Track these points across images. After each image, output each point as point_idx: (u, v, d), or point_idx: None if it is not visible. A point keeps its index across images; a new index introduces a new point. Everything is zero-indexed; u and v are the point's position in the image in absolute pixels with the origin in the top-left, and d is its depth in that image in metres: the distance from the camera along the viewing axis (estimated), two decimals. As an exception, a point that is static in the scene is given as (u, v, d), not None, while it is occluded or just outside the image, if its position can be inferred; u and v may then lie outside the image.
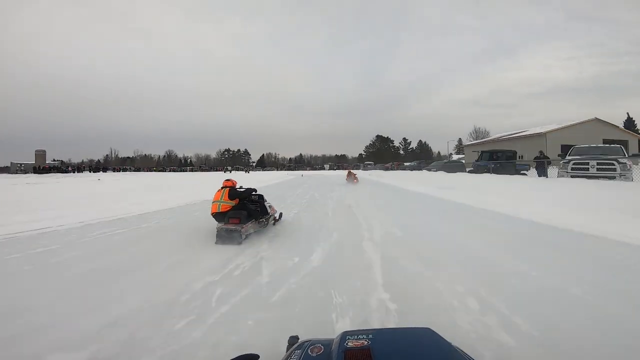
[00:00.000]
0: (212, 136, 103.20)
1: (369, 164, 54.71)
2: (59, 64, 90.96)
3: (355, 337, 0.99)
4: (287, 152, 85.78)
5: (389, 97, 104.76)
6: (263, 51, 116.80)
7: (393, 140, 74.61)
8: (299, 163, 73.30)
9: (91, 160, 66.45)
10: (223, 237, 4.37)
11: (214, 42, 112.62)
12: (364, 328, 1.34)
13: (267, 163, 73.88)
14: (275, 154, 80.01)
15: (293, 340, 1.31)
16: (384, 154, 68.45)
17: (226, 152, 75.54)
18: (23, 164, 50.56)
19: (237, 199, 4.94)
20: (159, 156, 71.54)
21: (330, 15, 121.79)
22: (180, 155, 73.93)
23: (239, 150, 76.99)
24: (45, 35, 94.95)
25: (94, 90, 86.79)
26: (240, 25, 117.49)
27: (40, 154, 53.44)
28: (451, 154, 54.28)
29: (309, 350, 1.00)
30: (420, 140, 75.46)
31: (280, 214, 6.25)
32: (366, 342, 0.95)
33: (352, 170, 22.72)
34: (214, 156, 75.32)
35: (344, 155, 77.80)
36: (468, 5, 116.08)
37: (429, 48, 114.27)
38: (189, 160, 72.84)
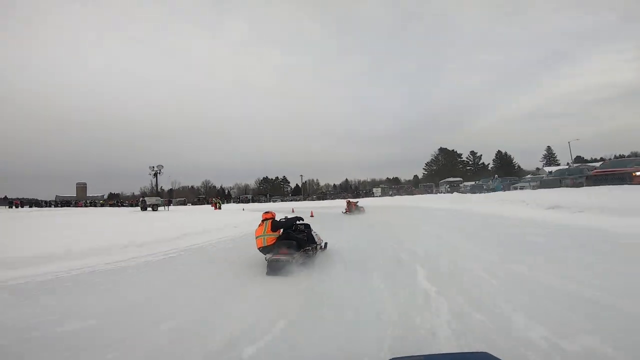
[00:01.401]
0: (252, 165, 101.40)
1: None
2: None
3: None
4: (332, 179, 77.70)
5: (440, 116, 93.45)
6: (304, 80, 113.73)
7: (461, 154, 62.08)
8: (344, 190, 64.98)
9: (132, 193, 66.88)
10: (274, 267, 4.48)
11: (256, 73, 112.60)
12: (412, 355, 1.20)
13: (309, 191, 67.17)
14: (316, 180, 73.41)
15: None
16: (452, 169, 56.40)
17: (264, 181, 71.24)
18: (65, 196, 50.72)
19: (280, 230, 5.05)
20: (196, 187, 69.84)
21: (369, 39, 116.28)
22: (217, 185, 71.46)
23: (277, 177, 72.19)
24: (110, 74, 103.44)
25: (139, 125, 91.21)
26: (280, 55, 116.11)
27: (81, 187, 54.24)
28: (538, 168, 42.51)
29: None
30: (499, 151, 61.10)
31: (326, 244, 6.14)
32: None
33: (352, 200, 19.81)
34: (253, 186, 71.49)
35: (396, 178, 67.37)
36: (510, 17, 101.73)
37: (476, 63, 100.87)
38: (227, 191, 69.88)
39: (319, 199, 51.27)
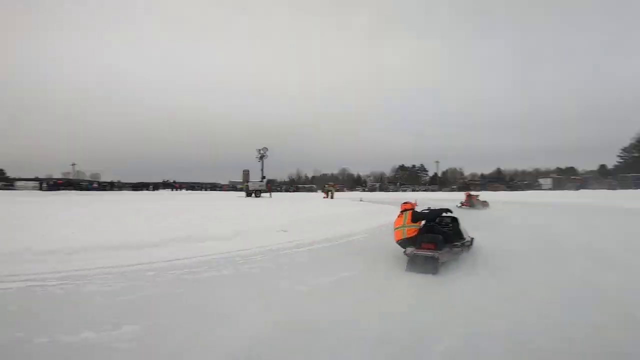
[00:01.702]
0: (384, 155, 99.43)
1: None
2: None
3: None
4: (481, 169, 69.31)
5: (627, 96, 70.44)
6: (441, 64, 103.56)
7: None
8: (496, 180, 57.04)
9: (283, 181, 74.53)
10: (416, 263, 4.16)
11: (391, 60, 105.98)
12: None
13: (450, 181, 61.85)
14: (460, 169, 66.89)
15: None
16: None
17: (400, 169, 69.03)
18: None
19: (421, 221, 4.72)
20: (333, 174, 72.91)
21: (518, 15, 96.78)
22: (355, 173, 73.04)
23: (414, 166, 68.88)
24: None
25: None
26: (416, 39, 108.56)
27: (246, 173, 62.51)
28: None
29: None
30: None
31: (472, 239, 5.35)
32: None
33: (472, 193, 16.68)
34: (389, 173, 70.31)
35: (571, 167, 55.19)
36: None
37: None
38: (363, 179, 70.86)
39: (460, 189, 45.94)
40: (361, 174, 72.92)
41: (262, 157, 33.53)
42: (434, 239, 4.29)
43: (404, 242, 4.59)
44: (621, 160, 49.63)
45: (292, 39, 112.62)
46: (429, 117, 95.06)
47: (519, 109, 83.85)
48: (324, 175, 71.91)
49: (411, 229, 4.56)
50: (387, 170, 71.52)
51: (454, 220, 5.16)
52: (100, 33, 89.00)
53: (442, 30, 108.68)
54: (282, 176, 69.65)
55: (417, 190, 49.11)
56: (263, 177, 31.88)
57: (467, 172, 66.80)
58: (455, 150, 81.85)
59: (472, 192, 17.09)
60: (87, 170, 55.25)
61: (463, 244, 4.89)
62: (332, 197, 25.84)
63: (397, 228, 4.75)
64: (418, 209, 5.00)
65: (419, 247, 4.26)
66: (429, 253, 4.09)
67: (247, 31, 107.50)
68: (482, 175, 63.53)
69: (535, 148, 76.83)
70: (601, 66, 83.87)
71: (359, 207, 13.87)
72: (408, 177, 66.69)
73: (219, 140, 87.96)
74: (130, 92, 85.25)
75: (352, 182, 67.44)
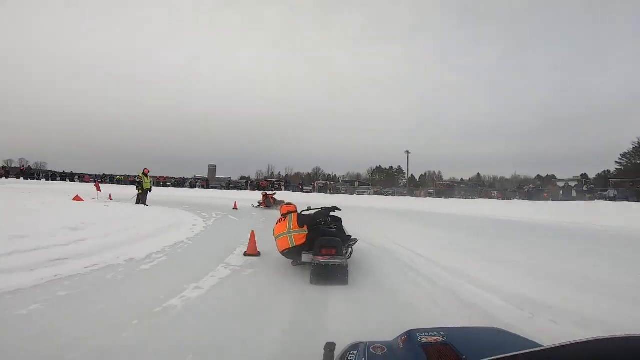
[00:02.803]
0: (364, 157, 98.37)
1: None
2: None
3: (426, 334, 1.01)
4: (460, 174, 65.90)
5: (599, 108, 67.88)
6: (428, 70, 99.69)
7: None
8: (475, 184, 53.50)
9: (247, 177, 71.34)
10: (323, 275, 3.58)
11: (375, 66, 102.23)
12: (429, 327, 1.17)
13: (429, 185, 58.56)
14: (439, 172, 63.71)
15: (331, 346, 1.30)
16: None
17: (377, 170, 65.75)
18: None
19: (306, 225, 4.12)
20: (307, 173, 69.81)
21: (498, 26, 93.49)
22: (329, 172, 69.86)
23: (391, 167, 65.56)
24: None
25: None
26: (401, 48, 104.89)
27: (212, 169, 59.85)
28: None
29: (371, 350, 1.03)
30: None
31: (356, 239, 4.82)
32: (442, 338, 0.96)
33: (269, 193, 15.96)
34: (365, 175, 67.19)
35: (552, 175, 51.41)
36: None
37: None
38: (338, 179, 67.71)
39: (438, 194, 41.95)
40: (338, 174, 69.68)
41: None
42: (334, 244, 3.80)
43: (291, 252, 4.03)
44: (620, 168, 44.97)
45: (279, 36, 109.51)
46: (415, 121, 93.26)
47: (497, 116, 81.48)
48: (298, 173, 68.93)
49: (299, 235, 4.03)
50: (364, 171, 68.30)
51: (338, 219, 4.83)
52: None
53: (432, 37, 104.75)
54: (250, 173, 66.83)
55: (386, 194, 44.92)
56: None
57: (446, 177, 63.20)
58: (441, 158, 79.10)
59: (269, 192, 16.95)
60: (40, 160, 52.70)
61: (350, 245, 4.48)
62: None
63: (280, 235, 4.13)
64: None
65: (318, 254, 3.66)
66: (338, 260, 3.59)
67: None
68: (462, 179, 60.00)
69: (515, 155, 74.01)
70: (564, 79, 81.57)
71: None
72: (385, 179, 63.40)
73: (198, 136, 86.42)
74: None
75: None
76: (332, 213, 4.56)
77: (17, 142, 71.58)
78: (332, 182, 48.93)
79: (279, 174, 68.86)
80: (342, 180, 64.41)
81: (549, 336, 2.35)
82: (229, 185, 36.83)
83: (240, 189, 31.37)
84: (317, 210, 4.49)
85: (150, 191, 12.73)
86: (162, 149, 79.75)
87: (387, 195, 33.28)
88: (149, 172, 12.92)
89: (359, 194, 34.33)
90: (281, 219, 4.28)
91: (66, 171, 37.62)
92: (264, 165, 72.49)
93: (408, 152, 40.37)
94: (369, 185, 47.59)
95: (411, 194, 34.90)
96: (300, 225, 4.06)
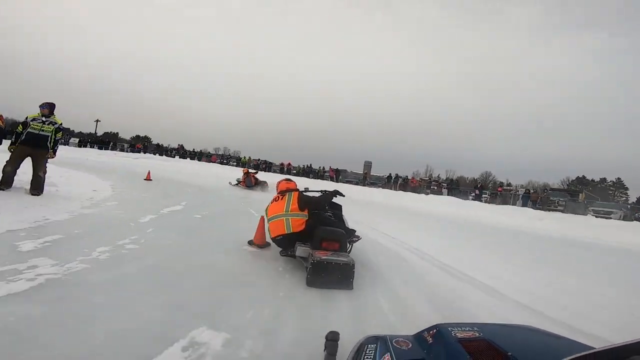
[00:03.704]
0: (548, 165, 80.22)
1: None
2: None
3: (459, 328, 0.96)
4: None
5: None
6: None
7: None
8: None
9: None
10: (323, 275, 2.73)
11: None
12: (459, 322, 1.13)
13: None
14: None
15: (334, 336, 1.26)
16: None
17: (577, 182, 47.11)
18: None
19: (307, 209, 3.30)
20: (473, 178, 55.49)
21: None
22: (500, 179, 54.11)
23: (604, 179, 49.53)
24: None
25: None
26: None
27: (368, 164, 55.05)
28: None
29: (394, 344, 0.97)
30: None
31: (358, 237, 3.81)
32: (477, 334, 0.91)
33: (251, 171, 14.56)
34: (557, 185, 46.10)
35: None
36: None
37: None
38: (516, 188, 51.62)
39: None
40: (514, 182, 50.75)
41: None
42: (338, 236, 3.14)
43: (285, 240, 3.26)
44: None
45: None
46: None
47: None
48: (461, 177, 54.94)
49: (298, 220, 3.24)
50: (554, 181, 50.87)
51: (338, 206, 4.04)
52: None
53: None
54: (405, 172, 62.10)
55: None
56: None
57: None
58: None
59: (251, 170, 15.46)
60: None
61: (352, 242, 3.64)
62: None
63: (273, 217, 3.35)
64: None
65: (317, 249, 3.02)
66: (343, 259, 2.87)
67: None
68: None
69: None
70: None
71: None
72: (597, 193, 46.05)
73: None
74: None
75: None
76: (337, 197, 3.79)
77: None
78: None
79: (438, 176, 57.77)
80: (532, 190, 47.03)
81: None
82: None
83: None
84: (326, 192, 3.76)
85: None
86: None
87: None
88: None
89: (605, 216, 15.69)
90: (278, 196, 3.55)
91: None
92: (421, 166, 63.51)
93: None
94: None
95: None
96: (301, 207, 3.30)
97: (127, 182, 9.51)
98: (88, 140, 33.58)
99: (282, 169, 26.31)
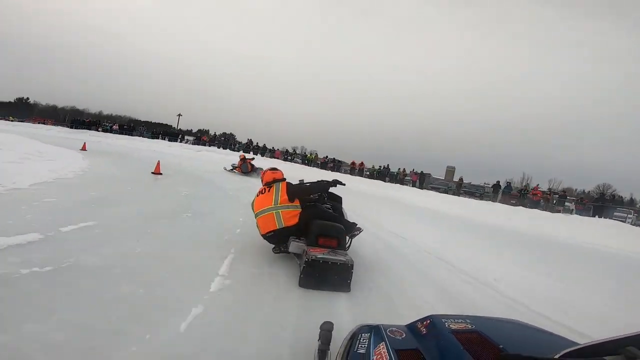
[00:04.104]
0: None
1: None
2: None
3: (452, 320, 0.97)
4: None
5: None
6: None
7: None
8: None
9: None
10: (317, 276, 2.60)
11: None
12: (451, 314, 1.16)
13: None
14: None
15: (328, 326, 1.24)
16: None
17: None
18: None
19: (297, 199, 3.14)
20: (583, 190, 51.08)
21: None
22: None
23: None
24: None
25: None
26: None
27: (450, 170, 51.84)
28: None
29: (388, 333, 0.99)
30: None
31: (360, 229, 3.58)
32: (470, 326, 0.93)
33: (247, 156, 14.53)
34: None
35: None
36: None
37: None
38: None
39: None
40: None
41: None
42: (336, 231, 2.96)
43: (277, 236, 3.07)
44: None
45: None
46: None
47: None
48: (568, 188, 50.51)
49: (290, 212, 3.06)
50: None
51: (338, 197, 3.85)
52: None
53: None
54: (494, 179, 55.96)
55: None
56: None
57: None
58: None
59: (247, 156, 15.30)
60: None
61: (353, 236, 3.42)
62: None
63: (261, 212, 3.12)
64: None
65: (313, 245, 2.85)
66: (340, 258, 2.70)
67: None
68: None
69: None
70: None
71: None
72: None
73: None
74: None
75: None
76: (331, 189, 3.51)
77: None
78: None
79: (537, 185, 51.62)
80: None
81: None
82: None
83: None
84: (317, 182, 3.45)
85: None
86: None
87: None
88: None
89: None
90: (264, 189, 3.29)
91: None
92: (517, 174, 54.24)
93: None
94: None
95: None
96: (291, 198, 3.09)
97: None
98: (160, 132, 35.57)
99: (353, 169, 22.90)
